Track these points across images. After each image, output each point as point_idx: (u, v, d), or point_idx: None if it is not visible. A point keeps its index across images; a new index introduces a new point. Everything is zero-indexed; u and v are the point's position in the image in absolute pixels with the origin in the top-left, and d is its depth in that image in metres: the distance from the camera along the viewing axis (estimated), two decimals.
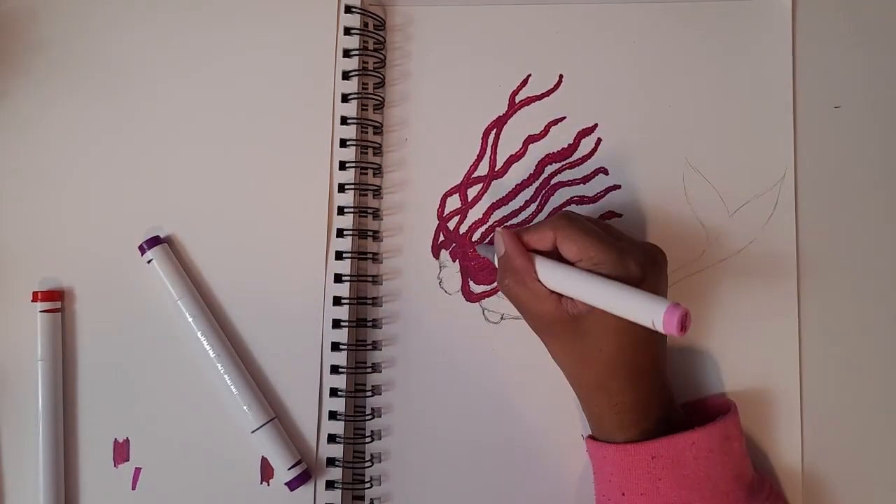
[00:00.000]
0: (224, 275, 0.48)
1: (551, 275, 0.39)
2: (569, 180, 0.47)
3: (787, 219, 0.46)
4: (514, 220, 0.48)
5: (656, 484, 0.38)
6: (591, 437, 0.42)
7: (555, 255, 0.39)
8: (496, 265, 0.42)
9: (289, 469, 0.45)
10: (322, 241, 0.47)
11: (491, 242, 0.47)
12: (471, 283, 0.47)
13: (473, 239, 0.48)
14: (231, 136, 0.48)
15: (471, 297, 0.47)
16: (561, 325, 0.39)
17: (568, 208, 0.47)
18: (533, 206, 0.47)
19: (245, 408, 0.45)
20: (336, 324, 0.47)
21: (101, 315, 0.48)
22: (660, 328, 0.33)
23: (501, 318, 0.47)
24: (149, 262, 0.47)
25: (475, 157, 0.48)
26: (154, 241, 0.47)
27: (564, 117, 0.48)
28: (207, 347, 0.46)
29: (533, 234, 0.40)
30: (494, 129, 0.48)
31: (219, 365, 0.46)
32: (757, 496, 0.39)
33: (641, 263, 0.37)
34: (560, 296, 0.39)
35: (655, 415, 0.39)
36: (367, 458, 0.47)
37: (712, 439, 0.38)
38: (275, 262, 0.47)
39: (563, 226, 0.39)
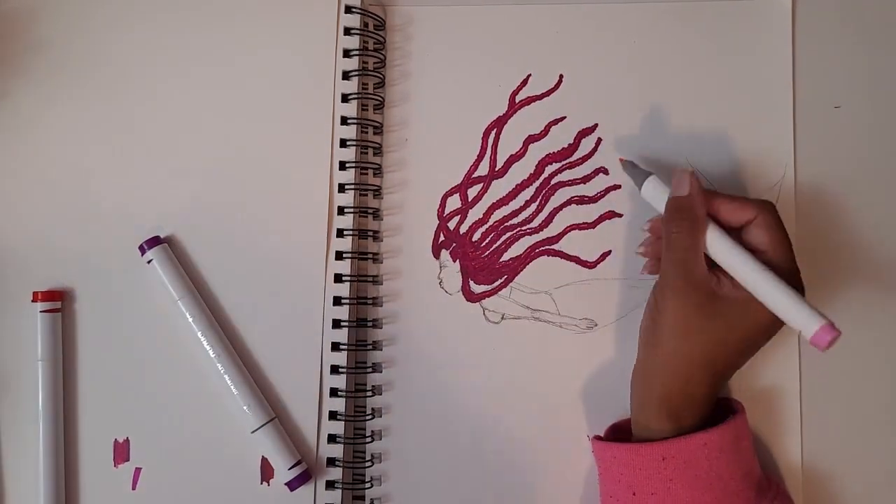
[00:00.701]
0: (224, 275, 0.48)
1: (721, 245, 0.39)
2: (569, 180, 0.47)
3: (787, 219, 0.45)
4: (515, 220, 0.48)
5: (667, 484, 0.37)
6: (598, 438, 0.42)
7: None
8: (651, 202, 0.42)
9: (289, 469, 0.45)
10: (322, 241, 0.47)
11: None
12: (471, 283, 0.47)
13: (474, 239, 0.48)
14: (231, 137, 0.48)
15: (471, 297, 0.47)
16: (697, 293, 0.38)
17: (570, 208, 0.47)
18: (533, 206, 0.47)
19: (245, 408, 0.45)
20: (336, 324, 0.47)
21: (101, 315, 0.48)
22: (807, 338, 0.35)
23: (502, 318, 0.47)
24: (149, 262, 0.47)
25: (475, 157, 0.48)
26: (154, 242, 0.47)
27: (564, 117, 0.48)
28: (207, 347, 0.46)
29: (728, 203, 0.39)
30: (494, 129, 0.48)
31: (219, 365, 0.46)
32: (765, 495, 0.39)
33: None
34: (710, 267, 0.39)
35: (705, 414, 0.39)
36: (368, 458, 0.47)
37: (723, 440, 0.38)
38: (275, 263, 0.47)
39: (771, 211, 0.39)
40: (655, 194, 0.42)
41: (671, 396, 0.39)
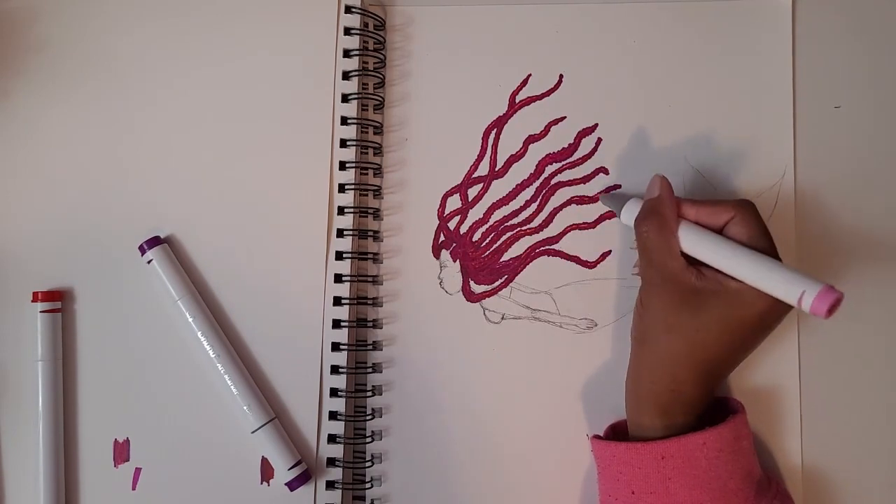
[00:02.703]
0: (224, 275, 0.48)
1: (695, 239, 0.39)
2: (569, 180, 0.47)
3: (787, 219, 0.46)
4: (515, 220, 0.48)
5: (666, 483, 0.38)
6: (597, 437, 0.42)
7: None
8: (621, 218, 0.42)
9: (289, 469, 0.45)
10: (322, 241, 0.47)
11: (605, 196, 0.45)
12: (471, 283, 0.47)
13: (474, 239, 0.48)
14: (231, 137, 0.48)
15: (471, 297, 0.47)
16: (677, 289, 0.38)
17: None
18: (533, 206, 0.47)
19: (245, 408, 0.45)
20: (336, 324, 0.47)
21: (101, 315, 0.48)
22: (806, 308, 0.33)
23: (502, 318, 0.47)
24: (149, 262, 0.47)
25: (475, 157, 0.48)
26: (154, 242, 0.47)
27: (564, 117, 0.48)
28: (207, 347, 0.46)
29: (705, 207, 0.40)
30: (494, 129, 0.48)
31: (219, 365, 0.46)
32: (764, 495, 0.39)
33: None
34: (688, 262, 0.39)
35: (691, 418, 0.39)
36: (368, 458, 0.47)
37: (723, 439, 0.38)
38: (275, 263, 0.47)
39: (749, 208, 0.39)
40: (633, 216, 0.42)
41: (660, 393, 0.39)
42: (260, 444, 0.46)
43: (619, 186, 0.47)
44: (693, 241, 0.39)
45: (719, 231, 0.40)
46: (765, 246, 0.38)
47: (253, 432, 0.45)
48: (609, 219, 0.47)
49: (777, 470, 0.44)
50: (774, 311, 0.38)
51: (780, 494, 0.40)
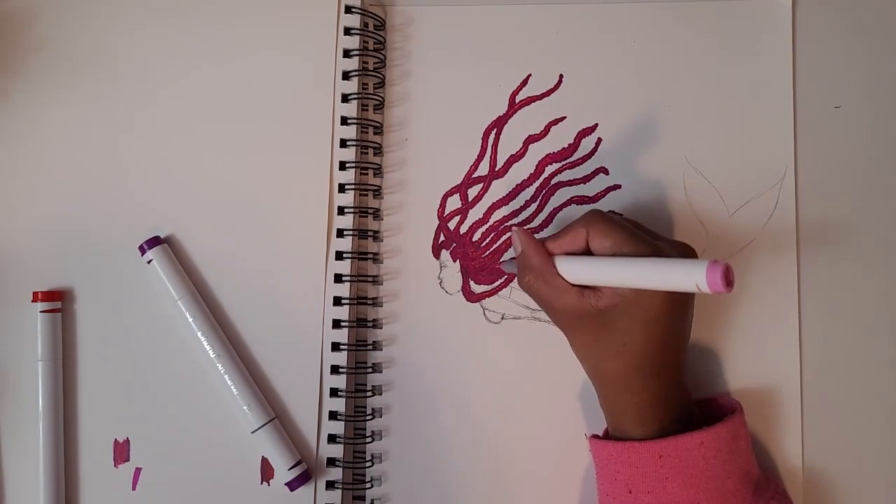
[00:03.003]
0: (224, 275, 0.48)
1: (575, 267, 0.39)
2: (569, 180, 0.47)
3: (787, 219, 0.46)
4: (515, 220, 0.48)
5: (663, 483, 0.38)
6: (595, 437, 0.42)
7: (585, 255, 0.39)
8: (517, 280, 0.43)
9: (289, 469, 0.45)
10: (322, 241, 0.47)
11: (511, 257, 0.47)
12: (471, 283, 0.47)
13: (474, 239, 0.48)
14: (231, 137, 0.48)
15: (471, 297, 0.47)
16: (586, 318, 0.39)
17: (569, 207, 0.47)
18: (533, 206, 0.47)
19: (245, 408, 0.45)
20: (336, 324, 0.47)
21: (101, 315, 0.48)
22: (705, 288, 0.32)
23: (502, 318, 0.47)
24: (149, 262, 0.47)
25: (475, 157, 0.48)
26: (154, 242, 0.47)
27: (564, 117, 0.48)
28: (207, 347, 0.46)
29: (563, 237, 0.40)
30: (494, 129, 0.48)
31: (219, 365, 0.46)
32: (762, 495, 0.39)
33: None
34: (582, 290, 0.39)
35: (674, 413, 0.39)
36: (368, 458, 0.47)
37: (720, 439, 0.38)
38: (275, 263, 0.47)
39: (596, 220, 0.39)
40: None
41: (628, 409, 0.39)
42: (260, 444, 0.46)
43: (620, 187, 0.47)
44: (573, 272, 0.39)
45: (587, 251, 0.40)
46: (633, 248, 0.37)
47: (253, 432, 0.45)
48: None
49: (776, 470, 0.44)
50: (680, 293, 0.38)
51: (778, 494, 0.40)
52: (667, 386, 0.39)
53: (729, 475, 0.38)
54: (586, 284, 0.39)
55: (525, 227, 0.47)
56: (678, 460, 0.37)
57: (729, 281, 0.32)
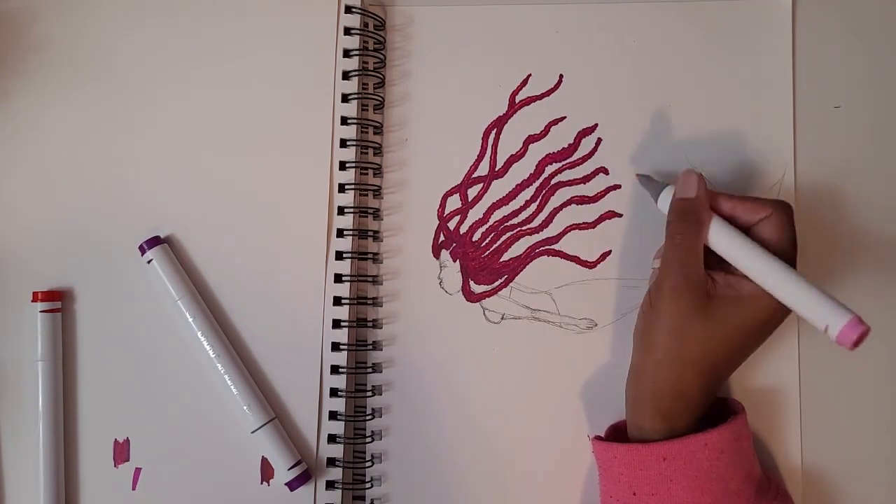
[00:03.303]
0: (224, 275, 0.48)
1: (725, 238, 0.38)
2: (569, 180, 0.47)
3: None
4: (515, 220, 0.48)
5: (668, 485, 0.38)
6: (598, 438, 0.42)
7: None
8: (657, 205, 0.42)
9: (289, 469, 0.45)
10: (322, 241, 0.47)
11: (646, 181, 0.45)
12: (471, 283, 0.47)
13: (474, 239, 0.48)
14: (231, 136, 0.48)
15: (471, 297, 0.47)
16: (694, 295, 0.38)
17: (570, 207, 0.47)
18: (533, 206, 0.47)
19: (245, 408, 0.45)
20: (336, 324, 0.47)
21: (101, 315, 0.48)
22: (833, 336, 0.33)
23: (502, 318, 0.47)
24: (149, 262, 0.47)
25: (475, 157, 0.48)
26: (154, 242, 0.47)
27: (564, 117, 0.48)
28: (207, 347, 0.46)
29: (746, 203, 0.39)
30: (494, 129, 0.48)
31: (219, 365, 0.46)
32: (765, 495, 0.39)
33: None
34: (707, 269, 0.39)
35: (699, 414, 0.39)
36: (368, 458, 0.47)
37: (724, 440, 0.38)
38: (275, 263, 0.47)
39: (786, 211, 0.39)
40: (657, 192, 0.42)
41: (662, 396, 0.39)
42: (260, 444, 0.46)
43: (620, 187, 0.47)
44: (723, 241, 0.39)
45: (749, 227, 0.40)
46: (790, 252, 0.38)
47: (253, 432, 0.45)
48: (609, 219, 0.47)
49: (777, 470, 0.44)
50: (784, 312, 0.38)
51: (780, 495, 0.40)
52: (708, 393, 0.39)
53: (733, 476, 0.38)
54: (723, 258, 0.39)
55: (527, 227, 0.47)
56: (682, 462, 0.37)
57: (859, 342, 0.33)
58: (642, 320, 0.41)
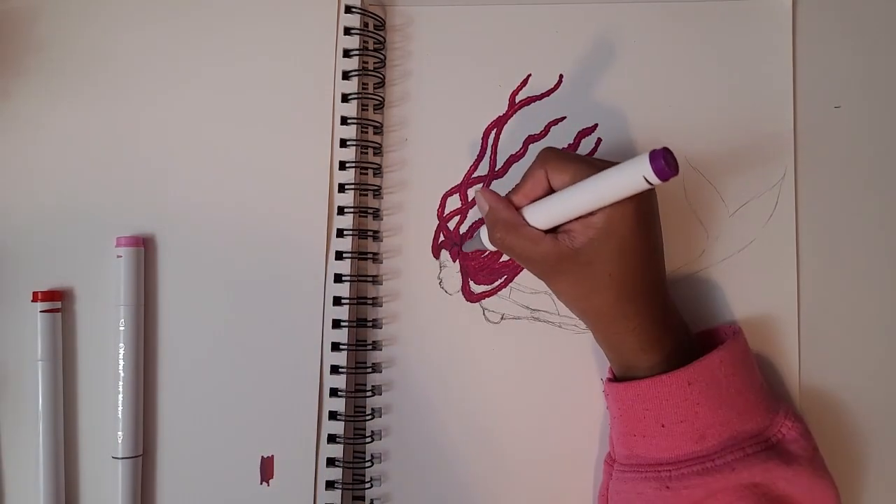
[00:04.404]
0: (223, 274, 0.48)
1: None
2: None
3: (787, 219, 0.46)
4: None
5: (695, 409, 0.38)
6: (611, 381, 0.42)
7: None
8: (486, 246, 0.43)
9: None
10: (322, 241, 0.47)
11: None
12: (471, 283, 0.47)
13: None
14: (231, 137, 0.48)
15: (471, 297, 0.47)
16: (566, 261, 0.38)
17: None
18: None
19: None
20: (336, 324, 0.47)
21: (101, 315, 0.48)
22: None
23: (502, 318, 0.47)
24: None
25: (475, 157, 0.48)
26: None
27: (564, 117, 0.48)
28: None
29: (524, 184, 0.40)
30: (494, 129, 0.48)
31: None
32: (777, 410, 0.40)
33: None
34: (555, 235, 0.39)
35: (674, 336, 0.40)
36: (368, 458, 0.47)
37: (735, 355, 0.39)
38: (275, 263, 0.47)
39: (550, 157, 0.40)
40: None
41: (623, 338, 0.39)
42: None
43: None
44: (541, 216, 0.39)
45: (550, 193, 0.40)
46: (587, 170, 0.38)
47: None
48: None
49: (788, 395, 0.45)
50: (644, 204, 0.38)
51: (790, 413, 0.40)
52: (657, 305, 0.40)
53: (749, 389, 0.39)
54: (557, 224, 0.39)
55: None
56: (705, 384, 0.38)
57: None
58: (566, 305, 0.42)
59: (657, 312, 0.39)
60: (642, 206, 0.38)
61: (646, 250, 0.39)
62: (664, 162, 0.33)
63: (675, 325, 0.41)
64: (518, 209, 0.41)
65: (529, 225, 0.40)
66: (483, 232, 0.43)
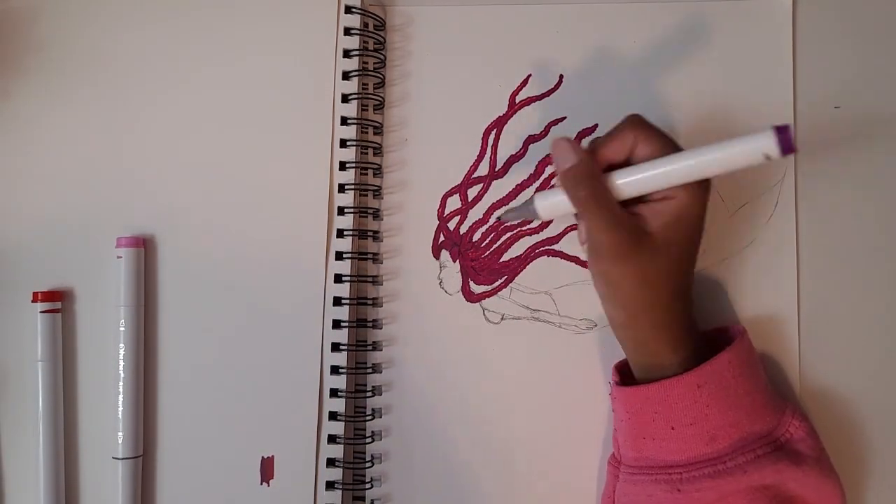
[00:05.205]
0: (223, 275, 0.48)
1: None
2: None
3: (787, 219, 0.46)
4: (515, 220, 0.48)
5: (705, 411, 0.38)
6: (619, 385, 0.41)
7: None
8: (537, 215, 0.40)
9: None
10: (322, 241, 0.47)
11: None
12: (471, 283, 0.47)
13: (474, 240, 0.48)
14: (231, 137, 0.48)
15: (471, 297, 0.47)
16: (637, 244, 0.37)
17: None
18: None
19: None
20: (336, 324, 0.47)
21: (101, 315, 0.48)
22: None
23: (502, 319, 0.47)
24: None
25: (475, 158, 0.48)
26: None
27: (564, 117, 0.48)
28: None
29: (609, 143, 0.38)
30: (494, 129, 0.48)
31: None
32: (783, 411, 0.40)
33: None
34: (635, 216, 0.37)
35: (695, 336, 0.40)
36: (368, 458, 0.47)
37: (741, 356, 0.39)
38: (275, 263, 0.47)
39: (643, 125, 0.38)
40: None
41: (659, 333, 0.39)
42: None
43: None
44: (630, 182, 0.37)
45: (628, 161, 0.38)
46: (671, 147, 0.37)
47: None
48: None
49: (794, 396, 0.45)
50: (707, 195, 0.37)
51: (797, 413, 0.40)
52: (691, 302, 0.40)
53: (756, 389, 0.39)
54: (635, 196, 0.37)
55: (527, 227, 0.47)
56: (715, 386, 0.38)
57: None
58: (602, 286, 0.39)
59: (690, 309, 0.40)
60: (707, 196, 0.38)
61: (699, 243, 0.39)
62: (790, 135, 0.33)
63: (695, 324, 0.40)
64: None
65: (611, 189, 0.37)
66: (539, 198, 0.40)
